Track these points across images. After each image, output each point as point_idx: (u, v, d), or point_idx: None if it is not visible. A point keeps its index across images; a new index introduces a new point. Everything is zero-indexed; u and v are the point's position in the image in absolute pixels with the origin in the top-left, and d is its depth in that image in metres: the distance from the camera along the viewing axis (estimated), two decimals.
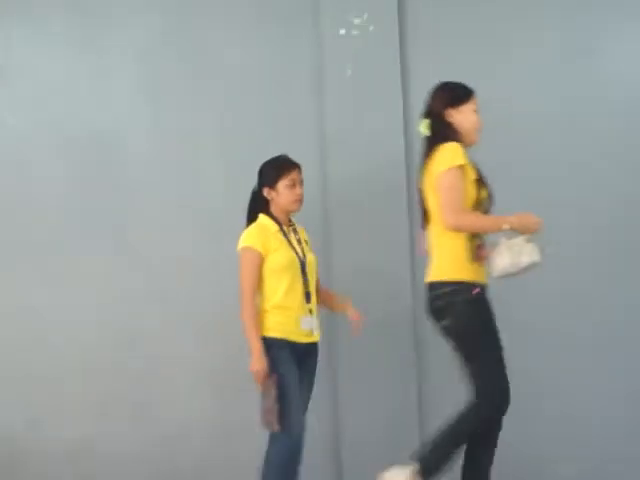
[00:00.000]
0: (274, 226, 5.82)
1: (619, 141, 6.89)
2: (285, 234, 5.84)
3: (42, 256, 6.82)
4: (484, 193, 5.17)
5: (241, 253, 5.79)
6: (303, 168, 6.10)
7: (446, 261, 5.21)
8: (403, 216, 6.76)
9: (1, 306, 6.82)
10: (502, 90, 6.87)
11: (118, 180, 6.93)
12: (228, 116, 6.99)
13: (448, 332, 5.21)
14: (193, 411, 6.78)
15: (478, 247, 5.15)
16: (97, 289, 6.85)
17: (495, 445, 5.24)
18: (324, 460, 6.64)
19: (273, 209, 5.86)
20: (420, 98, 6.24)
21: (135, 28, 7.04)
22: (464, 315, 5.14)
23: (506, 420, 5.27)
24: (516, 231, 5.09)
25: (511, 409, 5.17)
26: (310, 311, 5.82)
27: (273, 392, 5.62)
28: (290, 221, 5.88)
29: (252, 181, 6.14)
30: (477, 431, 5.13)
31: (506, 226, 5.06)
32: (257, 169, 6.15)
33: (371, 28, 6.93)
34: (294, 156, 6.08)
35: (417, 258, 6.40)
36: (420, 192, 5.38)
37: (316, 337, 5.81)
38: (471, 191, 5.07)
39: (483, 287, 5.15)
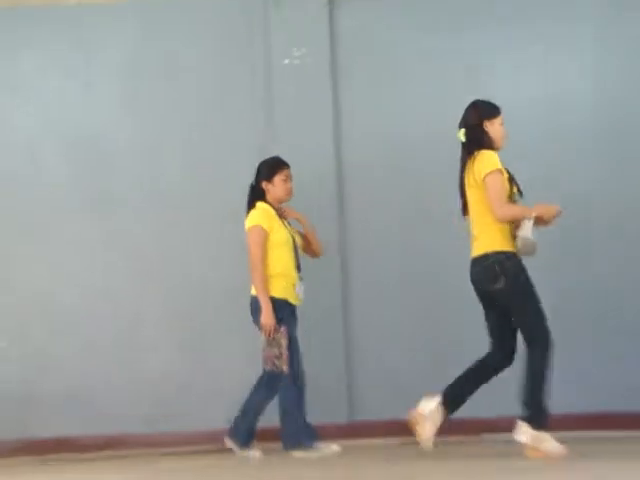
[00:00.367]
0: (272, 210, 6.66)
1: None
2: (279, 218, 6.70)
3: (44, 234, 7.78)
4: (514, 189, 5.82)
5: (251, 230, 6.60)
6: (246, 178, 7.00)
7: (495, 237, 5.79)
8: (333, 218, 7.64)
9: (13, 274, 7.74)
10: (412, 110, 7.80)
11: (105, 171, 7.83)
12: (191, 125, 7.88)
13: (502, 292, 5.77)
14: (168, 355, 7.68)
15: (516, 227, 5.76)
16: (89, 261, 7.78)
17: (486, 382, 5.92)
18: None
19: (269, 199, 6.69)
20: (349, 115, 7.60)
21: (115, 51, 7.92)
22: (516, 276, 5.74)
23: None
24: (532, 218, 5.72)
25: None
26: (300, 279, 6.69)
27: (284, 342, 6.45)
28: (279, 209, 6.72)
29: (206, 175, 7.59)
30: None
31: (534, 214, 5.68)
32: (211, 169, 7.41)
33: (309, 59, 7.83)
34: (251, 163, 7.06)
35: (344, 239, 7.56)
36: (461, 186, 5.96)
37: (300, 301, 6.69)
38: (507, 188, 5.74)
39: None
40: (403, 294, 7.75)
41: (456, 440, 6.82)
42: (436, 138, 7.48)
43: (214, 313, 7.76)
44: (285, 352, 6.49)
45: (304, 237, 6.83)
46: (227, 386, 7.49)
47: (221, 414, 7.22)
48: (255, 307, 6.64)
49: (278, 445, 6.68)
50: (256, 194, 6.76)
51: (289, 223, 6.80)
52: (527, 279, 5.79)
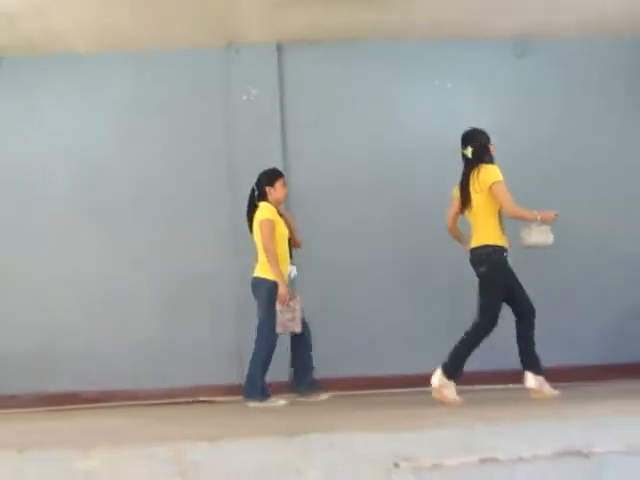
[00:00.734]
0: (274, 208, 7.21)
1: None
2: (278, 215, 7.20)
3: (55, 236, 8.52)
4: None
5: (264, 222, 7.08)
6: (214, 191, 8.18)
7: (489, 233, 6.37)
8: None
9: (18, 266, 8.36)
10: (348, 140, 8.71)
11: (103, 187, 8.56)
12: (171, 150, 8.67)
13: (484, 276, 6.34)
14: (153, 325, 8.38)
15: (503, 227, 6.38)
16: (93, 255, 8.49)
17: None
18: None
19: (270, 200, 7.22)
20: (294, 140, 8.41)
21: (113, 91, 8.70)
22: (496, 266, 6.35)
23: None
24: (538, 221, 6.29)
25: None
26: (292, 263, 7.25)
27: (297, 307, 6.99)
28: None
29: (182, 188, 8.39)
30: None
31: (539, 217, 6.27)
32: (186, 183, 8.28)
33: (263, 95, 8.64)
34: (216, 177, 8.20)
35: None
36: (465, 191, 6.41)
37: (291, 279, 7.23)
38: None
39: (507, 250, 6.39)
40: (340, 283, 8.51)
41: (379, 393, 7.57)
42: (369, 164, 8.27)
43: (190, 293, 8.48)
44: (298, 315, 7.03)
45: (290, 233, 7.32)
46: (199, 350, 8.31)
47: (195, 373, 8.14)
48: (257, 285, 7.18)
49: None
50: (259, 196, 7.29)
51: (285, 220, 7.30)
52: (505, 272, 6.40)
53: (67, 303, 8.45)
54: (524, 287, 6.50)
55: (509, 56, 8.83)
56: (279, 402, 7.04)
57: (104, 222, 8.57)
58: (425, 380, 6.43)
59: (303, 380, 7.25)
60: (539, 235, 6.35)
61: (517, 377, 6.63)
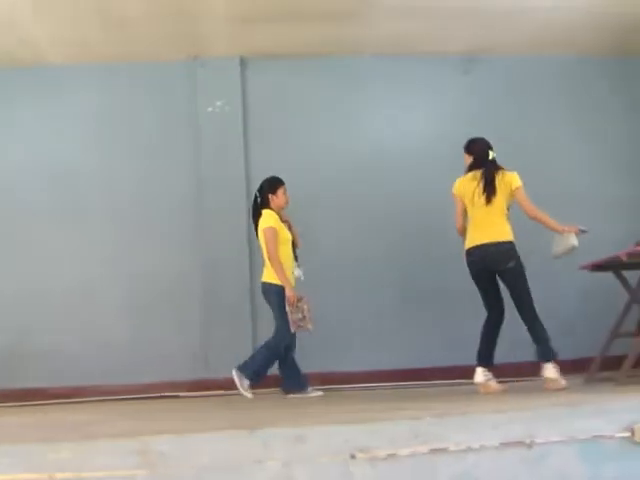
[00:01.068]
0: (276, 215, 7.22)
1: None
2: (281, 221, 7.23)
3: (30, 237, 8.44)
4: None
5: (267, 230, 7.09)
6: (181, 198, 8.23)
7: (508, 230, 6.49)
8: (243, 232, 8.38)
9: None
10: (306, 149, 8.67)
11: (75, 192, 8.54)
12: (139, 158, 8.66)
13: (514, 270, 6.42)
14: (121, 323, 8.36)
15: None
16: (65, 256, 8.42)
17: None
18: None
19: (272, 206, 7.24)
20: (257, 150, 8.41)
21: (84, 103, 8.66)
22: (519, 261, 6.46)
23: None
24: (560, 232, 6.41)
25: None
26: (298, 265, 7.28)
27: (306, 307, 7.02)
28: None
29: (150, 193, 8.36)
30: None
31: (560, 228, 6.44)
32: (154, 189, 8.25)
33: (227, 108, 8.69)
34: (183, 183, 8.21)
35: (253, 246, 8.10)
36: (491, 189, 6.46)
37: (298, 280, 7.25)
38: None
39: None
40: (298, 284, 7.94)
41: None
42: (328, 174, 8.31)
43: (157, 293, 8.44)
44: (308, 314, 7.07)
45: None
46: (165, 347, 8.29)
47: (161, 369, 8.13)
48: (267, 291, 7.21)
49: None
50: (262, 203, 7.33)
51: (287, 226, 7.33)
52: (523, 265, 6.52)
53: (36, 302, 8.37)
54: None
55: (457, 72, 9.02)
56: (249, 395, 7.14)
57: (74, 226, 8.56)
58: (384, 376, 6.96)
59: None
60: (561, 242, 6.50)
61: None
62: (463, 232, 6.77)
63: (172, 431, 4.22)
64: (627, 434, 4.53)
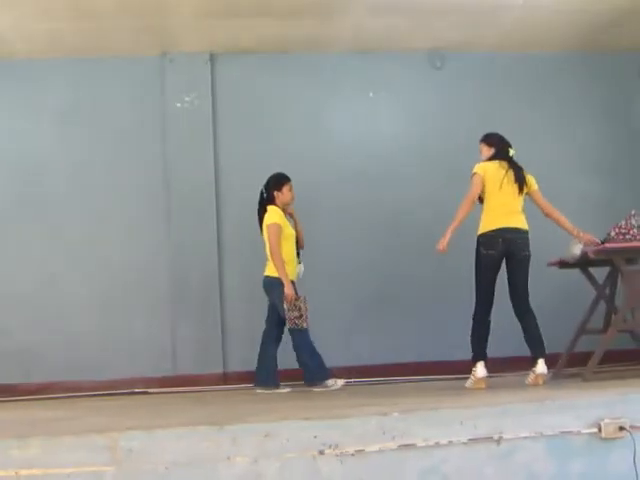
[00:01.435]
0: (281, 211, 7.29)
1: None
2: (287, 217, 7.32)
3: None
4: None
5: (271, 226, 7.16)
6: (150, 192, 8.18)
7: (526, 222, 6.63)
8: (213, 225, 8.48)
9: None
10: (275, 144, 8.67)
11: (44, 185, 8.45)
12: (108, 152, 8.59)
13: (528, 258, 6.55)
14: (89, 320, 8.28)
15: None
16: (33, 250, 8.34)
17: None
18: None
19: (277, 203, 7.32)
20: (225, 145, 8.39)
21: (52, 96, 8.59)
22: None
23: None
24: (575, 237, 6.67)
25: None
26: (299, 262, 7.38)
27: (304, 305, 7.05)
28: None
29: (119, 187, 8.30)
30: None
31: (575, 232, 6.69)
32: (123, 183, 8.21)
33: (196, 102, 8.64)
34: (152, 178, 8.17)
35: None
36: (522, 179, 6.58)
37: (299, 277, 7.35)
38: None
39: None
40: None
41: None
42: (296, 169, 7.99)
43: (125, 288, 8.42)
44: (305, 313, 7.10)
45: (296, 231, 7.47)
46: (135, 343, 8.30)
47: (131, 366, 8.14)
48: (269, 284, 7.28)
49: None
50: (268, 200, 7.39)
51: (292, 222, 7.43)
52: None
53: (3, 298, 8.29)
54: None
55: (427, 67, 9.05)
56: (337, 383, 7.20)
57: (42, 221, 8.49)
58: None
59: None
60: (572, 248, 6.75)
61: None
62: (467, 210, 6.70)
63: (141, 427, 4.24)
64: (594, 430, 4.60)
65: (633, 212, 6.86)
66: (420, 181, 8.70)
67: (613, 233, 6.86)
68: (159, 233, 8.43)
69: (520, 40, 8.84)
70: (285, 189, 7.40)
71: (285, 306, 7.09)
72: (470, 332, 6.59)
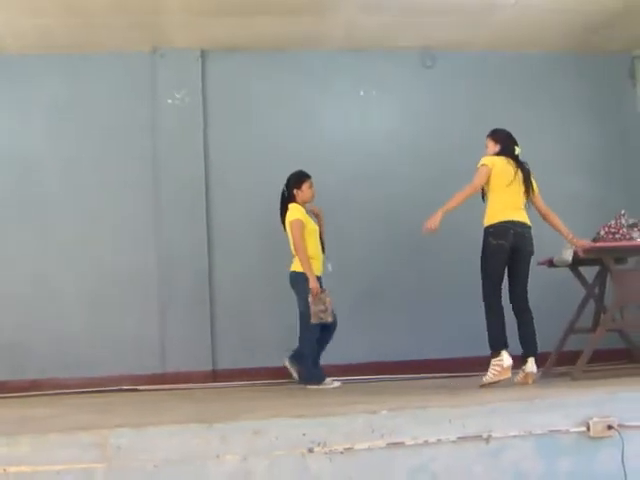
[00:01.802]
0: (302, 208, 7.37)
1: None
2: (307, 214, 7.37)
3: None
4: None
5: (294, 223, 7.24)
6: (140, 189, 8.16)
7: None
8: (202, 221, 8.47)
9: None
10: (264, 140, 8.62)
11: (36, 183, 8.42)
12: (98, 149, 8.56)
13: (531, 255, 6.53)
14: (81, 318, 8.28)
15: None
16: (26, 248, 8.33)
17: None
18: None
19: (298, 200, 7.39)
20: (216, 142, 8.37)
21: (44, 92, 8.57)
22: None
23: None
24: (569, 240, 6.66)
25: None
26: (326, 257, 7.44)
27: (328, 299, 7.12)
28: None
29: (109, 183, 8.29)
30: None
31: (570, 236, 6.68)
32: (113, 180, 8.17)
33: (187, 99, 8.65)
34: (139, 179, 8.15)
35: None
36: (529, 181, 6.55)
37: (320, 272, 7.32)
38: None
39: None
40: (257, 280, 8.51)
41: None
42: (286, 167, 8.00)
43: (114, 285, 8.40)
44: (329, 307, 7.16)
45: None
46: (123, 341, 8.26)
47: (120, 363, 8.13)
48: (294, 279, 7.34)
49: None
50: (289, 197, 7.46)
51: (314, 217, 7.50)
52: None
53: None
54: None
55: (418, 66, 9.07)
56: (333, 384, 7.22)
57: (32, 218, 8.48)
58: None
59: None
60: (564, 253, 6.81)
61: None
62: (465, 197, 6.59)
63: (130, 425, 4.24)
64: (582, 429, 4.62)
65: (623, 212, 6.90)
66: (412, 180, 8.71)
67: (603, 232, 6.88)
68: (149, 230, 8.42)
69: (512, 39, 8.86)
70: (305, 186, 7.47)
71: (310, 300, 7.13)
72: (487, 326, 6.44)
